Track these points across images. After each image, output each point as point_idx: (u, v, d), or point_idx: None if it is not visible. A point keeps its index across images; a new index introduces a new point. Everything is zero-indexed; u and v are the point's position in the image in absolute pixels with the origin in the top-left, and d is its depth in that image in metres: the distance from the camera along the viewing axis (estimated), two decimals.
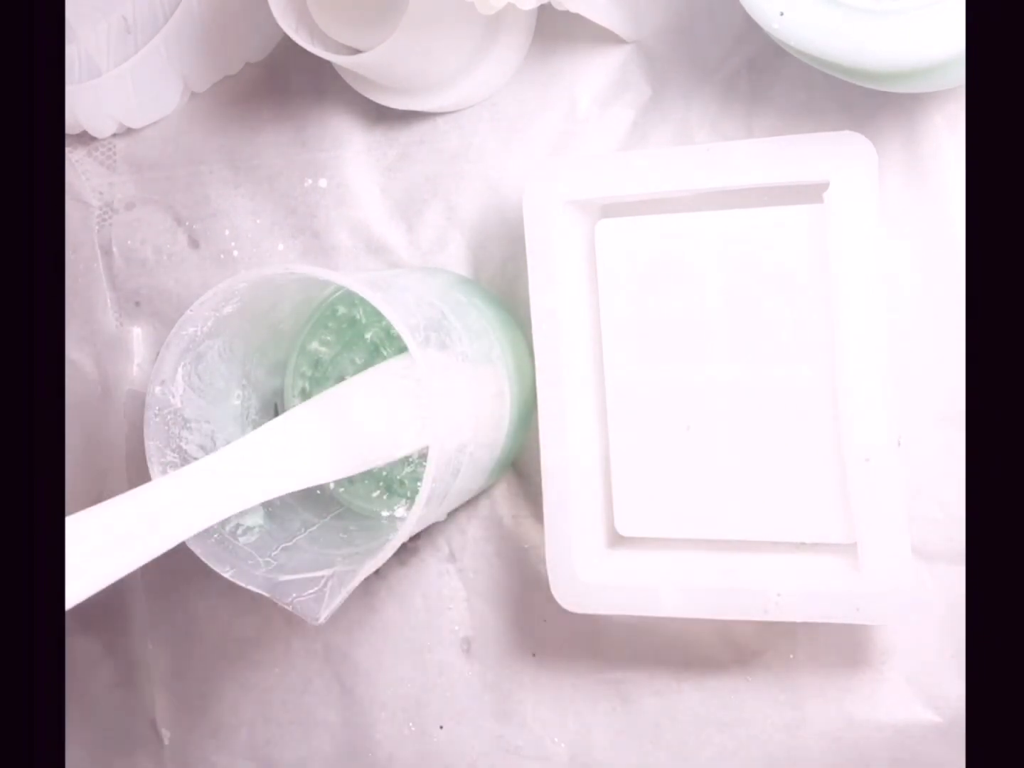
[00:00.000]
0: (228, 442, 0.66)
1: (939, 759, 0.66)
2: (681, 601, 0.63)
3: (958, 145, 0.64)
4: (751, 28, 0.61)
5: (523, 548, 0.73)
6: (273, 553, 0.64)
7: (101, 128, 0.80)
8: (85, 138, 0.81)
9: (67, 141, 0.81)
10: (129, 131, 0.81)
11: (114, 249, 0.82)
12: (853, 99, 0.65)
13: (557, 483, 0.65)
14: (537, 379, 0.65)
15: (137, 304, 0.81)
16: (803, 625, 0.65)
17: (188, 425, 0.63)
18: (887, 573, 0.59)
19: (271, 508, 0.67)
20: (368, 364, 0.71)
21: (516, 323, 0.71)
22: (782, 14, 0.57)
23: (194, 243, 0.80)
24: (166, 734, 0.83)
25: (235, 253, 0.79)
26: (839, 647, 0.67)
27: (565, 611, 0.65)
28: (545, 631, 0.73)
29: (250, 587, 0.59)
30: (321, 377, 0.72)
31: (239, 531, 0.63)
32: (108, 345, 0.82)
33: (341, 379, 0.71)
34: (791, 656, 0.68)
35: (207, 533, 0.62)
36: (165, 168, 0.80)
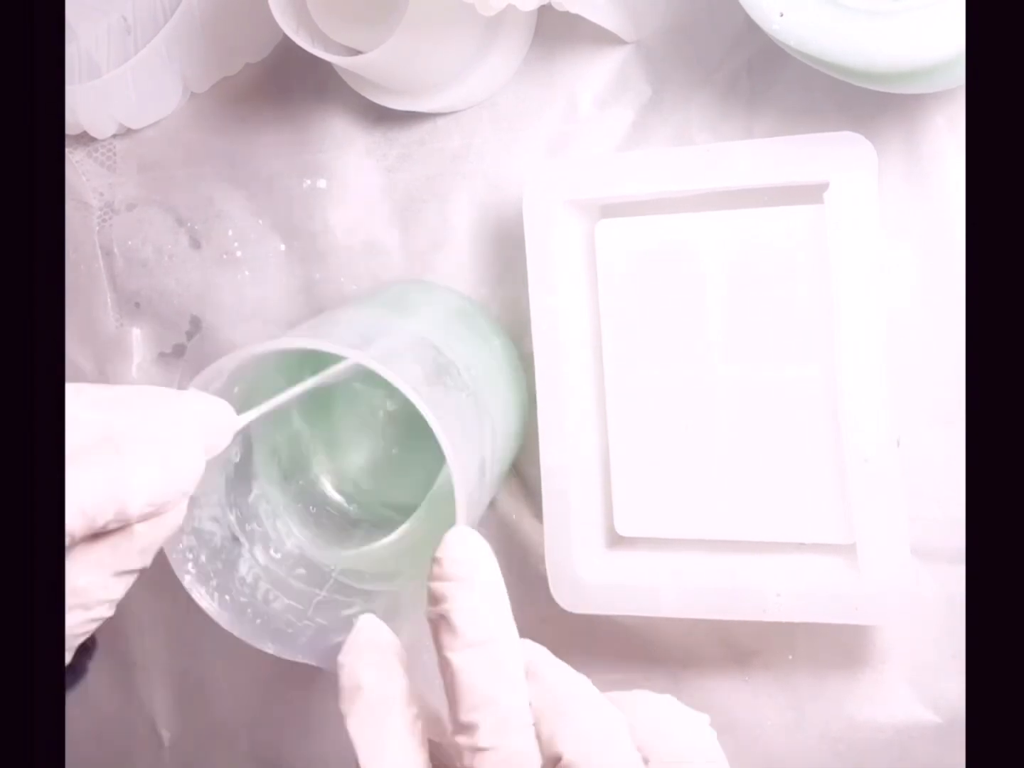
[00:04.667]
0: (234, 507, 0.65)
1: (939, 759, 0.66)
2: (680, 601, 0.63)
3: (958, 146, 0.64)
4: (751, 28, 0.61)
5: (523, 548, 0.73)
6: (309, 613, 0.63)
7: (101, 128, 0.80)
8: (85, 139, 0.81)
9: (67, 142, 0.81)
10: (129, 131, 0.81)
11: (115, 249, 0.82)
12: (853, 99, 0.65)
13: (557, 483, 0.65)
14: (537, 379, 0.65)
15: (137, 305, 0.81)
16: (802, 625, 0.65)
17: (198, 501, 0.63)
18: (886, 573, 0.59)
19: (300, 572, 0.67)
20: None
21: (512, 335, 0.72)
22: (782, 14, 0.57)
23: (196, 243, 0.80)
24: (166, 734, 0.83)
25: (238, 254, 0.79)
26: (838, 647, 0.67)
27: (564, 611, 0.65)
28: (544, 631, 0.73)
29: (298, 659, 0.58)
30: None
31: (270, 596, 0.63)
32: (108, 345, 0.82)
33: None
34: (790, 657, 0.68)
35: (240, 608, 0.61)
36: (166, 168, 0.80)
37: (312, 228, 0.77)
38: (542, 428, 0.65)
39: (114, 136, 0.81)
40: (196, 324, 0.80)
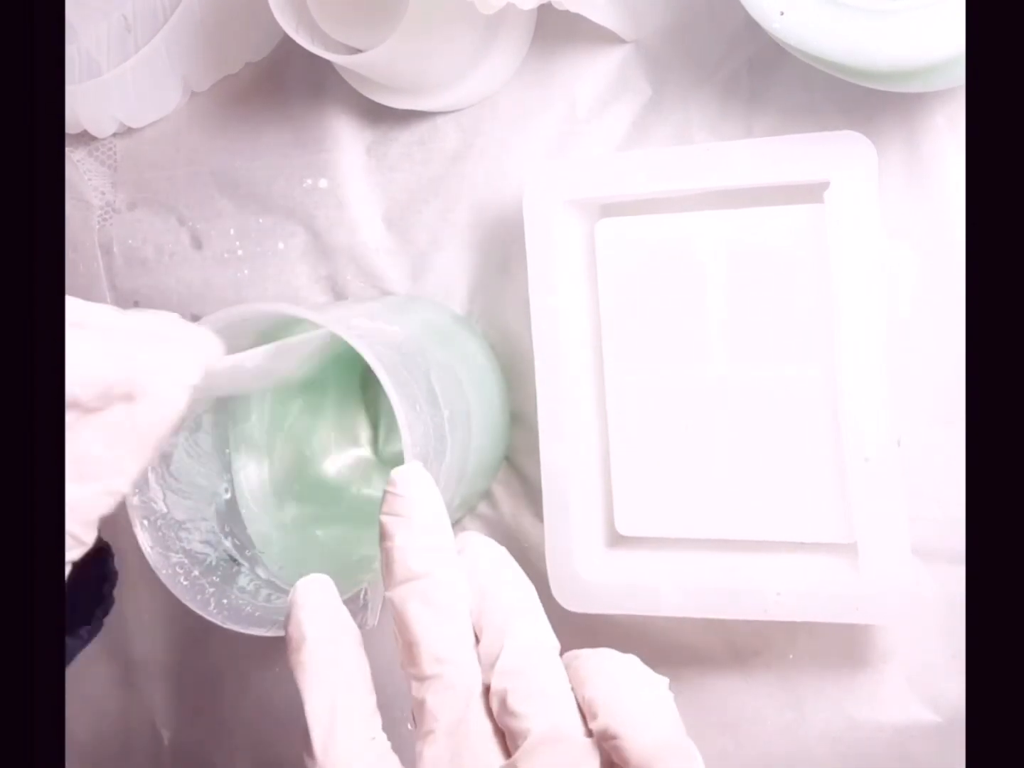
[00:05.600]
0: (230, 535, 0.67)
1: (939, 759, 0.66)
2: (681, 601, 0.63)
3: (959, 145, 0.64)
4: (751, 28, 0.61)
5: (523, 547, 0.72)
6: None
7: (102, 128, 0.80)
8: (86, 138, 0.81)
9: (68, 141, 0.81)
10: (129, 131, 0.81)
11: (114, 248, 0.82)
12: (853, 99, 0.65)
13: (557, 483, 0.65)
14: (537, 379, 0.65)
15: (136, 303, 0.81)
16: (803, 625, 0.65)
17: (184, 526, 0.64)
18: (887, 573, 0.59)
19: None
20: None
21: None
22: (782, 13, 0.57)
23: (197, 243, 0.80)
24: (166, 734, 0.83)
25: (240, 253, 0.79)
26: (839, 647, 0.67)
27: (565, 610, 0.65)
28: None
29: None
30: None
31: (273, 598, 0.63)
32: None
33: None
34: (791, 656, 0.68)
35: (238, 608, 0.62)
36: (166, 168, 0.80)
37: (313, 227, 0.77)
38: (542, 428, 0.65)
39: (115, 135, 0.81)
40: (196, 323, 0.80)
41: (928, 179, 0.65)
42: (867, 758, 0.67)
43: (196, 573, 0.62)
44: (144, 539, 0.62)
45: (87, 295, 0.81)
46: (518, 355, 0.72)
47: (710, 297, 0.63)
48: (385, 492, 0.47)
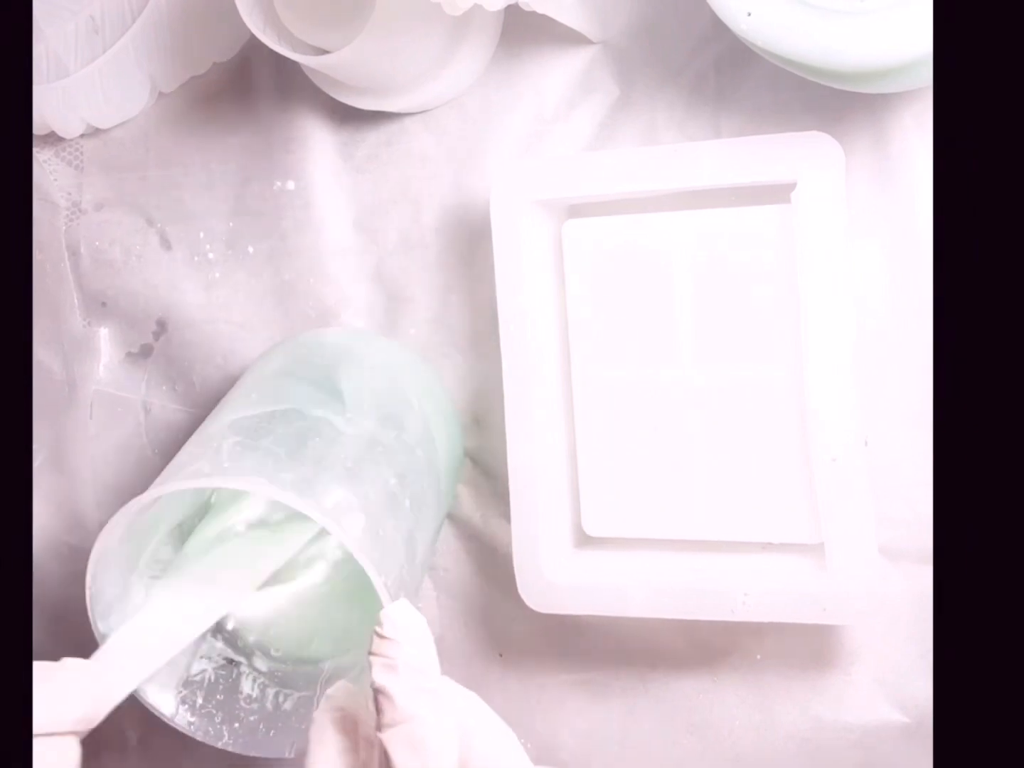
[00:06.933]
0: (219, 633, 0.65)
1: (907, 760, 0.66)
2: (648, 601, 0.63)
3: (926, 145, 0.64)
4: (718, 28, 0.61)
5: (491, 547, 0.72)
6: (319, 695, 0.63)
7: (69, 128, 0.79)
8: (53, 139, 0.81)
9: (35, 142, 0.81)
10: (97, 131, 0.80)
11: (82, 249, 0.81)
12: (821, 99, 0.65)
13: (524, 483, 0.65)
14: (504, 379, 0.65)
15: (103, 304, 0.81)
16: (770, 625, 0.65)
17: (175, 661, 0.62)
18: (854, 573, 0.59)
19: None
20: None
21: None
22: (749, 14, 0.57)
23: (166, 244, 0.79)
24: (132, 735, 0.83)
25: (210, 255, 0.78)
26: (806, 648, 0.67)
27: (532, 611, 0.65)
28: (512, 631, 0.73)
29: None
30: None
31: (280, 698, 0.63)
32: (75, 345, 0.81)
33: None
34: (758, 657, 0.68)
35: (252, 728, 0.61)
36: (134, 169, 0.80)
37: (281, 229, 0.76)
38: (509, 428, 0.65)
39: (82, 136, 0.81)
40: (163, 325, 0.79)
41: (896, 179, 0.65)
42: (835, 759, 0.67)
43: (200, 700, 0.62)
44: (148, 694, 0.60)
45: (54, 296, 0.81)
46: (485, 355, 0.72)
47: (677, 297, 0.63)
48: (374, 632, 0.48)
